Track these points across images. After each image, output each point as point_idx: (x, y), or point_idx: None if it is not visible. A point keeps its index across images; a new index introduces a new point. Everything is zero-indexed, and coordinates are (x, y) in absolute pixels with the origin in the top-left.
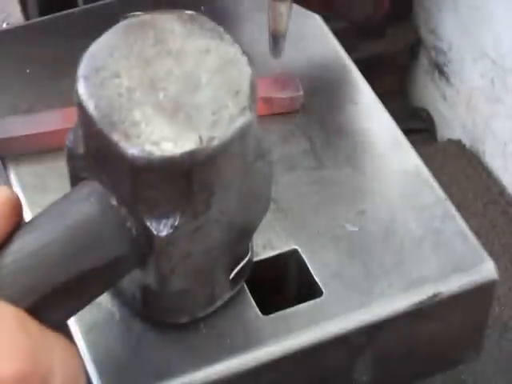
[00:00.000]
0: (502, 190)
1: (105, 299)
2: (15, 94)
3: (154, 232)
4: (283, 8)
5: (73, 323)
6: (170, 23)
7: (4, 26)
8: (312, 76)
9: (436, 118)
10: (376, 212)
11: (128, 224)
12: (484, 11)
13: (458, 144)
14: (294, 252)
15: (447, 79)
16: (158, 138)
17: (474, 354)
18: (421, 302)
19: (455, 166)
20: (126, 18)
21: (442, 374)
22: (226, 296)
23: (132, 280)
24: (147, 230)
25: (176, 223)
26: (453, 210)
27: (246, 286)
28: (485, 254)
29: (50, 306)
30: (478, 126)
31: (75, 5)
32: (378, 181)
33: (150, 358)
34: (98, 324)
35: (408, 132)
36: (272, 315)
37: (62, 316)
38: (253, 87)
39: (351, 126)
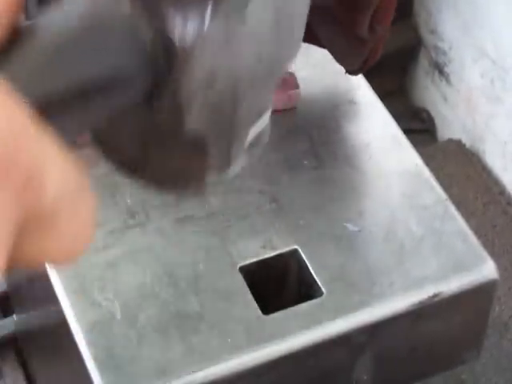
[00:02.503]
0: (502, 190)
1: (105, 299)
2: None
3: (177, 39)
4: None
5: (74, 323)
6: None
7: None
8: (312, 76)
9: (436, 118)
10: (376, 212)
11: (142, 34)
12: (484, 11)
13: (458, 144)
14: (295, 252)
15: (447, 79)
16: None
17: (474, 354)
18: (421, 302)
19: (455, 165)
20: None
21: (442, 374)
22: (240, 163)
23: (133, 133)
24: (166, 39)
25: (205, 28)
26: (453, 209)
27: (247, 285)
28: (485, 254)
29: (54, 112)
30: (478, 125)
31: None
32: (378, 181)
33: (150, 357)
34: (99, 323)
35: (408, 132)
36: (273, 315)
37: (64, 130)
38: None
39: (351, 126)
